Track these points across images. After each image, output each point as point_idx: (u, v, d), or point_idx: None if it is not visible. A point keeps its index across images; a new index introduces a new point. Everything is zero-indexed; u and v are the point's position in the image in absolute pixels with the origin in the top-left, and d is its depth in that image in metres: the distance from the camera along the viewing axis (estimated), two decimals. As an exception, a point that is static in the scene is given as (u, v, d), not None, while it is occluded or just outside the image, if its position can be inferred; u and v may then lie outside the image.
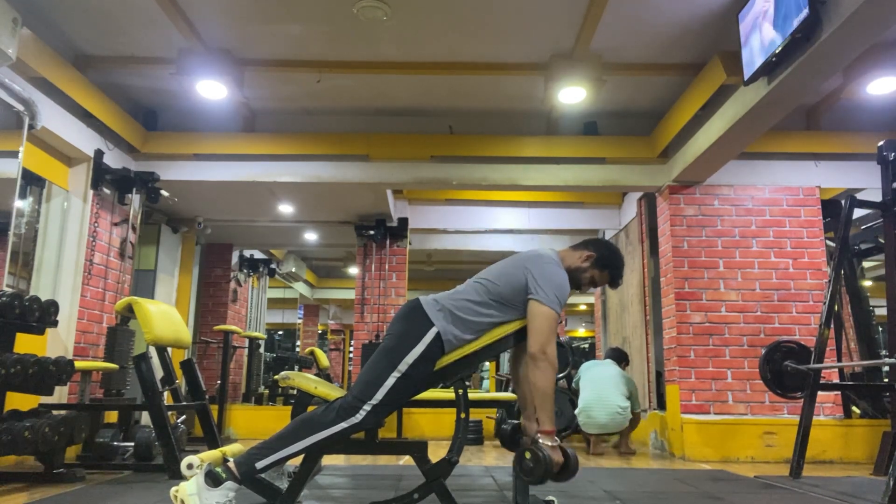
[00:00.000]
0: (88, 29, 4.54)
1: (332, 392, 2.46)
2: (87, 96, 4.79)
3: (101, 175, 5.13)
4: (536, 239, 8.55)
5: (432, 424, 6.73)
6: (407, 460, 4.80)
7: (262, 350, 8.43)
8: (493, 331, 2.49)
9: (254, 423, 6.92)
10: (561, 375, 6.03)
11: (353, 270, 10.50)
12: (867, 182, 5.52)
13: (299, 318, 14.13)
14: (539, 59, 4.85)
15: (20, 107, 4.20)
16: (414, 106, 5.66)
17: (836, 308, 5.12)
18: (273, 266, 10.12)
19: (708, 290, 5.46)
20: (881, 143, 4.34)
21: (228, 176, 5.64)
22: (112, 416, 4.91)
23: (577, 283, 2.64)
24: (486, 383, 14.60)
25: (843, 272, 5.50)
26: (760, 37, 3.84)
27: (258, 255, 9.64)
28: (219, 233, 7.89)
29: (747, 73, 4.04)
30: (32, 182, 4.74)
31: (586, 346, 16.00)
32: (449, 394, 2.66)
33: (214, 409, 6.53)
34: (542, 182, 5.67)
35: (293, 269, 10.78)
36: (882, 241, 4.76)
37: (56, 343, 4.71)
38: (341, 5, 4.18)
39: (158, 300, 5.66)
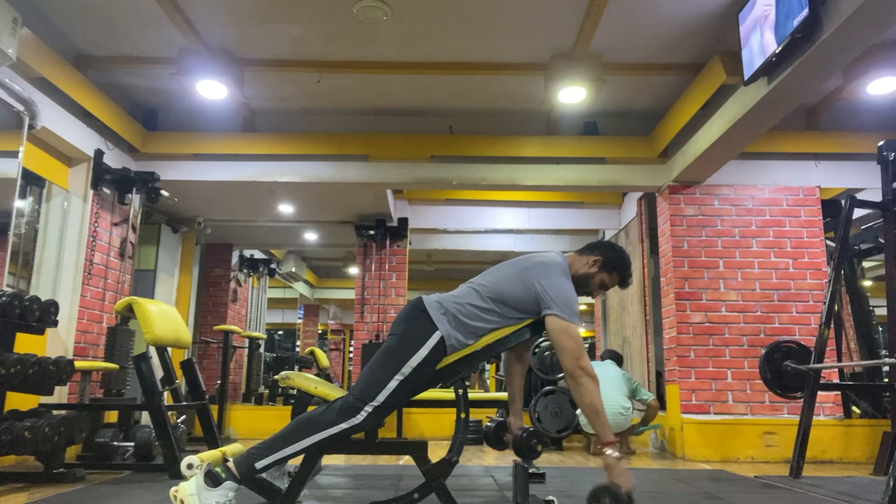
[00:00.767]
0: (88, 29, 4.54)
1: (332, 392, 2.46)
2: (87, 96, 4.79)
3: (101, 175, 5.13)
4: (536, 239, 8.55)
5: (432, 424, 6.73)
6: (407, 460, 4.80)
7: (262, 350, 8.43)
8: (495, 332, 2.49)
9: (254, 423, 6.92)
10: (561, 375, 6.03)
11: (353, 270, 10.49)
12: (867, 182, 5.52)
13: (299, 318, 14.13)
14: (539, 59, 4.85)
15: (20, 107, 4.20)
16: (414, 106, 5.67)
17: (836, 308, 5.12)
18: (273, 266, 10.12)
19: (708, 290, 5.46)
20: (881, 143, 4.34)
21: (228, 176, 5.64)
22: (112, 416, 4.91)
23: (587, 288, 2.63)
24: (487, 382, 14.58)
25: (843, 272, 5.51)
26: (760, 37, 3.84)
27: (258, 255, 9.64)
28: (219, 233, 7.89)
29: (747, 73, 4.04)
30: (32, 182, 4.74)
31: (586, 346, 15.98)
32: (449, 394, 2.66)
33: (214, 409, 6.53)
34: (542, 182, 5.67)
35: (293, 269, 10.78)
36: (882, 241, 4.75)
37: (56, 343, 4.71)
38: (341, 5, 4.18)
39: (158, 300, 5.66)
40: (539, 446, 2.65)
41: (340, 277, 12.82)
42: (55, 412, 3.77)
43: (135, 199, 5.58)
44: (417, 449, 2.48)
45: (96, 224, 5.17)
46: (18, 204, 4.51)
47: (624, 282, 2.67)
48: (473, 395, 2.84)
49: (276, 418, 6.77)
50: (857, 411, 5.52)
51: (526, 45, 4.67)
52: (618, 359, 5.97)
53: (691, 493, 3.41)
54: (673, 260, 5.53)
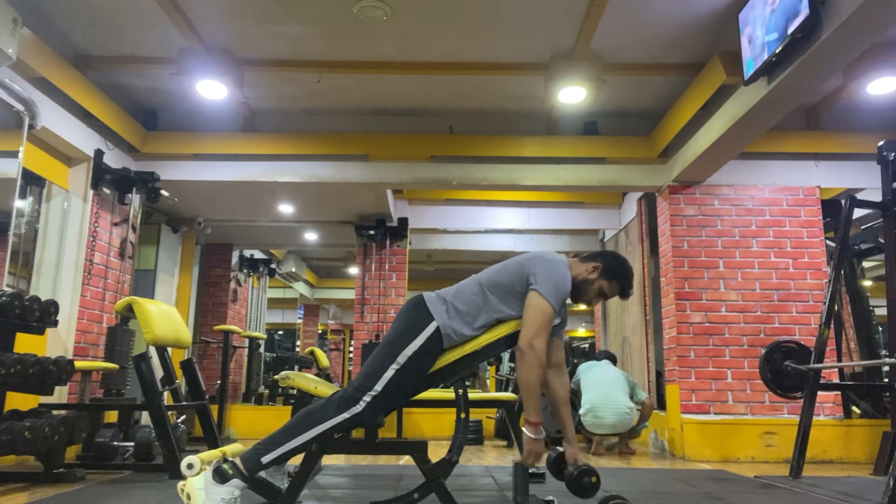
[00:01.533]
0: (88, 29, 4.54)
1: (331, 391, 2.48)
2: (87, 96, 4.79)
3: (101, 175, 5.13)
4: (536, 239, 8.55)
5: (432, 424, 6.73)
6: (407, 460, 4.80)
7: (262, 350, 8.43)
8: (493, 330, 2.50)
9: (254, 423, 6.92)
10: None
11: (353, 270, 10.50)
12: (867, 182, 5.52)
13: (299, 318, 14.13)
14: (539, 59, 4.85)
15: (20, 107, 4.20)
16: (414, 106, 5.67)
17: (836, 308, 5.12)
18: (273, 266, 10.12)
19: (708, 290, 5.46)
20: (881, 143, 4.34)
21: (228, 176, 5.64)
22: (112, 416, 4.91)
23: (586, 294, 2.64)
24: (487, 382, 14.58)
25: (843, 272, 5.50)
26: (760, 37, 3.84)
27: (258, 255, 9.64)
28: (219, 233, 7.89)
29: (747, 74, 4.04)
30: (32, 182, 4.74)
31: (586, 346, 15.99)
32: (449, 394, 2.66)
33: (214, 409, 6.53)
34: (542, 182, 5.67)
35: (293, 269, 10.78)
36: (882, 241, 4.75)
37: (56, 343, 4.71)
38: (341, 5, 4.18)
39: (158, 300, 5.66)
40: (594, 478, 2.55)
41: (340, 277, 12.82)
42: (55, 412, 3.78)
43: (135, 199, 5.58)
44: (417, 449, 2.48)
45: (96, 224, 5.17)
46: (18, 204, 4.51)
47: (624, 292, 2.66)
48: (473, 395, 2.84)
49: (276, 418, 6.76)
50: (857, 411, 5.52)
51: (526, 45, 4.67)
52: (613, 359, 5.97)
53: (691, 493, 3.41)
54: (673, 260, 5.53)
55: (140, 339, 4.40)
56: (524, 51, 4.75)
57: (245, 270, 9.23)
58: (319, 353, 8.14)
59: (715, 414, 5.21)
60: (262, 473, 2.40)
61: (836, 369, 5.39)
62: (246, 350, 8.45)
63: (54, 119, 4.55)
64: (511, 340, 2.54)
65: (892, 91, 4.86)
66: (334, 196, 6.41)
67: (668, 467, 4.62)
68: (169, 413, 3.95)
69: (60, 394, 4.69)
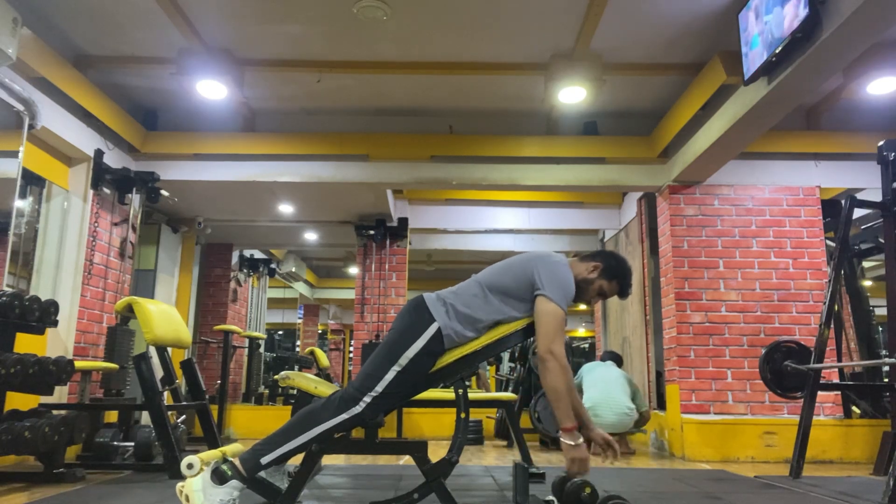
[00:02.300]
0: (88, 29, 4.54)
1: (331, 391, 2.47)
2: (87, 96, 4.79)
3: (101, 175, 5.13)
4: (536, 239, 8.55)
5: (432, 424, 6.72)
6: (407, 460, 4.80)
7: (262, 350, 8.43)
8: (494, 330, 2.50)
9: (254, 423, 6.92)
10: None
11: (353, 270, 10.50)
12: (867, 182, 5.52)
13: (299, 318, 14.13)
14: (539, 59, 4.85)
15: (20, 107, 4.20)
16: (414, 106, 5.67)
17: (836, 308, 5.12)
18: (273, 266, 10.12)
19: (708, 290, 5.46)
20: (881, 143, 4.34)
21: (228, 176, 5.64)
22: (112, 416, 4.91)
23: (585, 294, 2.64)
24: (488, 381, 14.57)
25: (843, 272, 5.50)
26: (760, 37, 3.84)
27: (258, 254, 9.64)
28: (219, 233, 7.89)
29: (747, 73, 4.04)
30: (32, 182, 4.74)
31: (586, 346, 15.99)
32: (449, 394, 2.66)
33: (214, 409, 6.53)
34: (542, 182, 5.67)
35: (293, 269, 10.78)
36: (882, 241, 4.75)
37: (56, 343, 4.71)
38: (341, 5, 4.18)
39: (158, 300, 5.66)
40: (588, 489, 2.49)
41: (340, 277, 12.82)
42: (55, 412, 3.77)
43: (135, 199, 5.58)
44: (417, 449, 2.48)
45: (96, 224, 5.17)
46: (18, 204, 4.51)
47: (623, 291, 2.67)
48: (473, 394, 2.84)
49: (276, 418, 6.76)
50: (857, 411, 5.52)
51: (526, 45, 4.67)
52: (618, 360, 5.98)
53: (691, 493, 3.41)
54: (673, 260, 5.53)
55: (140, 339, 4.40)
56: (524, 51, 4.75)
57: (245, 270, 9.23)
58: (319, 353, 8.14)
59: (715, 414, 5.21)
60: (262, 473, 2.40)
61: (836, 369, 5.39)
62: (246, 350, 8.45)
63: (54, 119, 4.55)
64: (511, 341, 2.54)
65: (892, 91, 4.86)
66: (334, 196, 6.41)
67: (668, 467, 4.62)
68: (169, 413, 3.95)
69: (60, 394, 4.69)
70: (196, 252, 7.77)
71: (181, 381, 5.08)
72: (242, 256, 9.19)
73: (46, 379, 3.55)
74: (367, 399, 2.36)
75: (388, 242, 7.20)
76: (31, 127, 4.29)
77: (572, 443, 2.37)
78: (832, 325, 4.65)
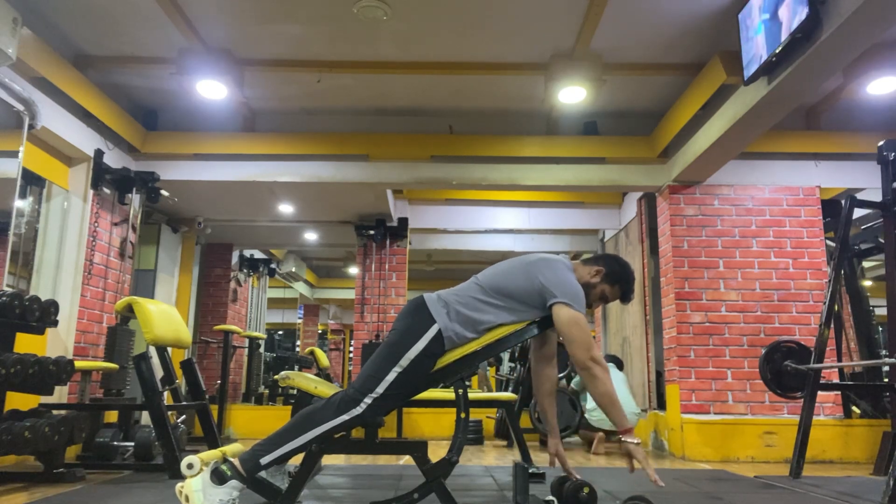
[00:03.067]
0: (88, 29, 4.54)
1: (331, 392, 2.48)
2: (87, 96, 4.79)
3: (101, 175, 5.13)
4: (536, 239, 8.55)
5: (432, 424, 6.73)
6: (407, 460, 4.80)
7: (262, 350, 8.44)
8: (494, 331, 2.49)
9: (254, 423, 6.92)
10: (561, 375, 6.04)
11: (353, 270, 10.50)
12: (867, 182, 5.52)
13: (299, 318, 14.13)
14: (539, 59, 4.85)
15: (20, 107, 4.20)
16: (414, 106, 5.66)
17: (836, 308, 5.11)
18: (273, 266, 10.12)
19: (708, 290, 5.46)
20: (881, 143, 4.34)
21: (228, 176, 5.64)
22: (112, 416, 4.91)
23: (587, 299, 2.63)
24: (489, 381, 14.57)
25: (843, 272, 5.50)
26: (760, 37, 3.84)
27: (258, 254, 9.64)
28: (219, 233, 7.89)
29: (747, 73, 4.04)
30: (32, 182, 4.74)
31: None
32: (449, 394, 2.66)
33: (214, 409, 6.53)
34: (542, 182, 5.67)
35: (293, 269, 10.78)
36: (882, 241, 4.75)
37: (56, 343, 4.71)
38: (341, 5, 4.18)
39: (158, 300, 5.66)
40: (587, 489, 2.56)
41: (340, 277, 12.82)
42: (55, 412, 3.77)
43: (135, 199, 5.58)
44: (417, 449, 2.48)
45: (96, 224, 5.17)
46: (18, 204, 4.51)
47: (626, 296, 2.68)
48: (473, 394, 2.84)
49: (276, 418, 6.76)
50: (857, 411, 5.52)
51: (526, 45, 4.67)
52: (619, 363, 6.00)
53: (691, 493, 3.41)
54: (673, 260, 5.53)
55: (140, 339, 4.40)
56: (524, 51, 4.75)
57: (245, 270, 9.23)
58: (319, 353, 8.14)
59: (715, 414, 5.21)
60: (262, 473, 2.40)
61: (836, 369, 5.39)
62: (246, 350, 8.45)
63: (54, 119, 4.55)
64: (511, 341, 2.54)
65: (892, 91, 4.86)
66: (334, 196, 6.41)
67: (668, 467, 4.62)
68: (169, 413, 3.95)
69: (60, 394, 4.69)
70: (196, 252, 7.77)
71: (181, 381, 5.08)
72: (242, 256, 9.19)
73: (46, 379, 3.55)
74: (368, 400, 2.36)
75: (388, 242, 7.20)
76: (31, 127, 4.29)
77: (635, 442, 2.40)
78: (832, 325, 4.64)
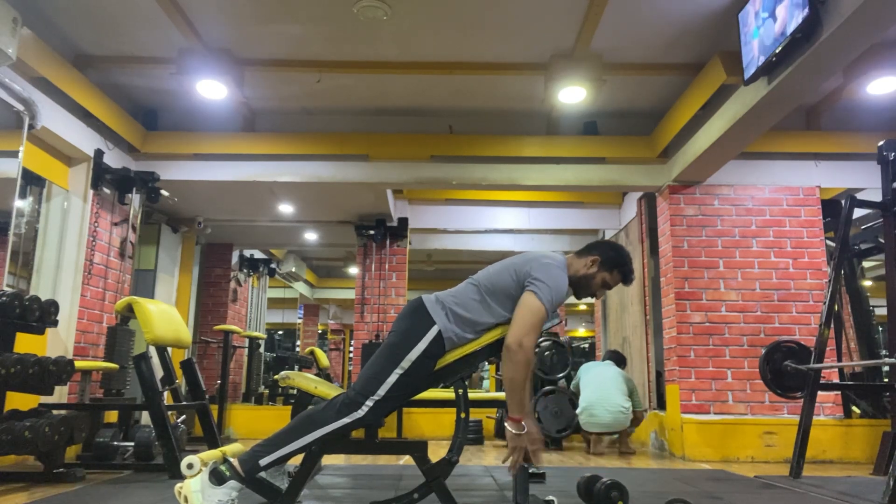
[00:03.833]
0: (88, 29, 4.54)
1: (331, 392, 2.47)
2: (87, 96, 4.79)
3: (101, 175, 5.13)
4: (536, 239, 8.56)
5: (432, 424, 6.73)
6: (407, 460, 4.80)
7: (262, 350, 8.44)
8: (493, 331, 2.49)
9: (254, 422, 6.92)
10: (561, 375, 6.04)
11: (353, 270, 10.50)
12: (867, 182, 5.52)
13: (299, 318, 14.13)
14: (539, 59, 4.85)
15: (20, 107, 4.20)
16: (414, 106, 5.67)
17: (836, 308, 5.12)
18: (273, 266, 10.12)
19: (708, 290, 5.46)
20: (881, 143, 4.34)
21: (228, 176, 5.64)
22: (112, 416, 4.91)
23: (589, 289, 2.62)
24: (485, 383, 14.60)
25: (843, 272, 5.51)
26: (760, 37, 3.84)
27: (258, 254, 9.64)
28: (219, 233, 7.89)
29: (747, 73, 4.04)
30: (32, 182, 4.74)
31: (586, 346, 16.00)
32: (449, 394, 2.66)
33: (214, 409, 6.53)
34: (542, 182, 5.67)
35: (293, 269, 10.78)
36: (882, 241, 4.76)
37: (56, 343, 4.71)
38: (341, 5, 4.18)
39: (158, 300, 5.66)
40: (615, 493, 2.61)
41: (340, 277, 12.82)
42: (55, 412, 3.77)
43: (135, 199, 5.58)
44: (417, 449, 2.48)
45: (96, 224, 5.17)
46: (18, 204, 4.51)
47: (626, 278, 2.65)
48: (473, 394, 2.84)
49: (276, 418, 6.77)
50: (857, 411, 5.52)
51: (526, 45, 4.67)
52: (618, 359, 5.98)
53: (691, 493, 3.41)
54: (673, 260, 5.53)
55: (140, 339, 4.40)
56: (524, 51, 4.75)
57: (245, 270, 9.23)
58: (319, 353, 8.15)
59: (715, 414, 5.21)
60: (263, 473, 2.40)
61: (836, 369, 5.39)
62: (246, 350, 8.45)
63: (54, 119, 4.55)
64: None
65: (892, 91, 4.85)
66: (334, 196, 6.41)
67: (668, 467, 4.62)
68: (169, 413, 3.95)
69: (60, 394, 4.69)
70: (196, 252, 7.78)
71: (181, 381, 5.08)
72: (242, 256, 9.19)
73: (46, 379, 3.55)
74: (370, 403, 2.35)
75: (388, 242, 7.20)
76: (31, 127, 4.29)
77: (516, 431, 2.38)
78: (832, 325, 4.65)
